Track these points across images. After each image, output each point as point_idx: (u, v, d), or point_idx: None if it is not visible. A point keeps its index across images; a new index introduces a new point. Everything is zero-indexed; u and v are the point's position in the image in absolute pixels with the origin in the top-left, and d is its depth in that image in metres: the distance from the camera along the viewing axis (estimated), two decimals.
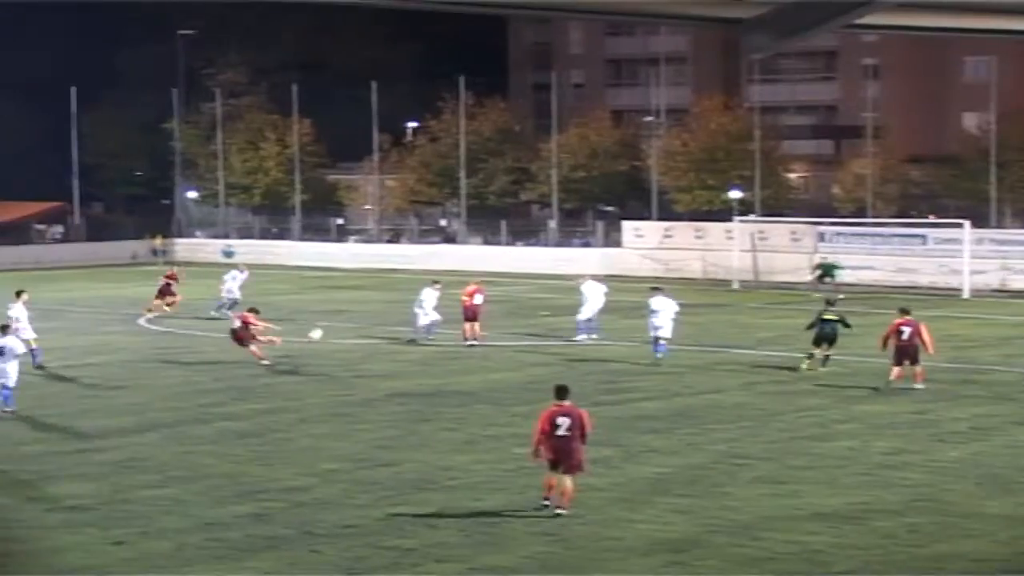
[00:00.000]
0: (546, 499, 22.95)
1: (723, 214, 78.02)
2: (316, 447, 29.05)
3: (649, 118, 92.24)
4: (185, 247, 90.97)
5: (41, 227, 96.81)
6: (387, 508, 23.53)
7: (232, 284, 54.43)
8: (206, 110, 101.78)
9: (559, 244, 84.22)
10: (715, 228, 74.48)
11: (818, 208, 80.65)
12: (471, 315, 45.55)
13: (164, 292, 55.10)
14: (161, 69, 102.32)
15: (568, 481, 22.91)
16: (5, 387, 33.32)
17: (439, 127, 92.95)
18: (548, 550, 21.11)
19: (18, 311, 40.08)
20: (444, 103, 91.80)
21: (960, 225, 64.96)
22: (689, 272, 71.47)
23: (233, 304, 49.89)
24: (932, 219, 73.10)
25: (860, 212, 79.09)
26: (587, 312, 47.02)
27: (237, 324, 41.53)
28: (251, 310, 42.16)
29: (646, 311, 42.23)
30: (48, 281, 68.25)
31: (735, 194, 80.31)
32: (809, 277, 64.94)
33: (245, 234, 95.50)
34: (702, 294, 61.86)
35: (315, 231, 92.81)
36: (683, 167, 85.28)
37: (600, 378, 38.12)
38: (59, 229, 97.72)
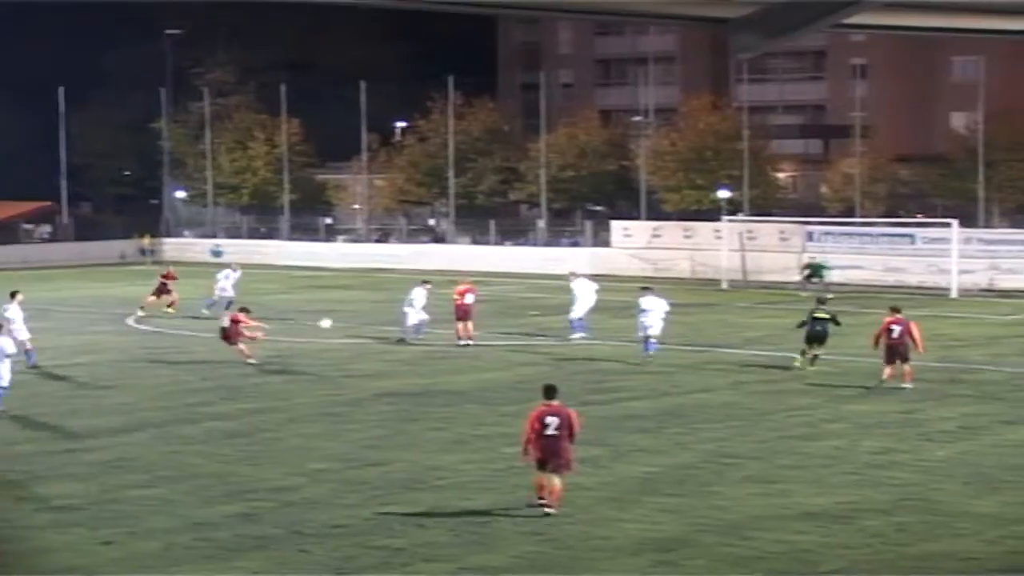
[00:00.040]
0: (541, 499, 22.91)
1: (711, 214, 78.09)
2: (305, 447, 29.03)
3: (638, 118, 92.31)
4: (173, 247, 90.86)
5: (29, 227, 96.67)
6: (376, 508, 23.51)
7: (226, 283, 54.48)
8: (194, 110, 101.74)
9: (548, 244, 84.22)
10: (704, 228, 74.55)
11: (806, 208, 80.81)
12: (463, 314, 45.52)
13: (161, 291, 55.15)
14: (149, 69, 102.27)
15: (556, 480, 22.91)
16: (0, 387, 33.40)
17: (428, 127, 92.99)
18: (537, 550, 21.11)
19: (14, 312, 40.24)
20: (433, 103, 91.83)
21: (948, 225, 65.08)
22: (678, 272, 71.53)
23: (229, 304, 49.93)
24: (920, 218, 73.22)
25: (848, 212, 79.20)
26: (579, 310, 47.01)
27: (226, 323, 41.60)
28: (242, 309, 42.30)
29: (636, 310, 42.27)
30: (36, 281, 68.10)
31: (723, 194, 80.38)
32: (798, 277, 65.06)
33: (233, 234, 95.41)
34: (691, 294, 61.88)
35: (303, 231, 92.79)
36: (672, 167, 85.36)
37: (589, 377, 38.13)
38: (47, 229, 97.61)
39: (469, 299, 45.71)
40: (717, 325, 51.83)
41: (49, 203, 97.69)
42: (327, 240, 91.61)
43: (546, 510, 22.73)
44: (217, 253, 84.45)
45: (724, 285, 67.64)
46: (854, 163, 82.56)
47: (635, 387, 36.77)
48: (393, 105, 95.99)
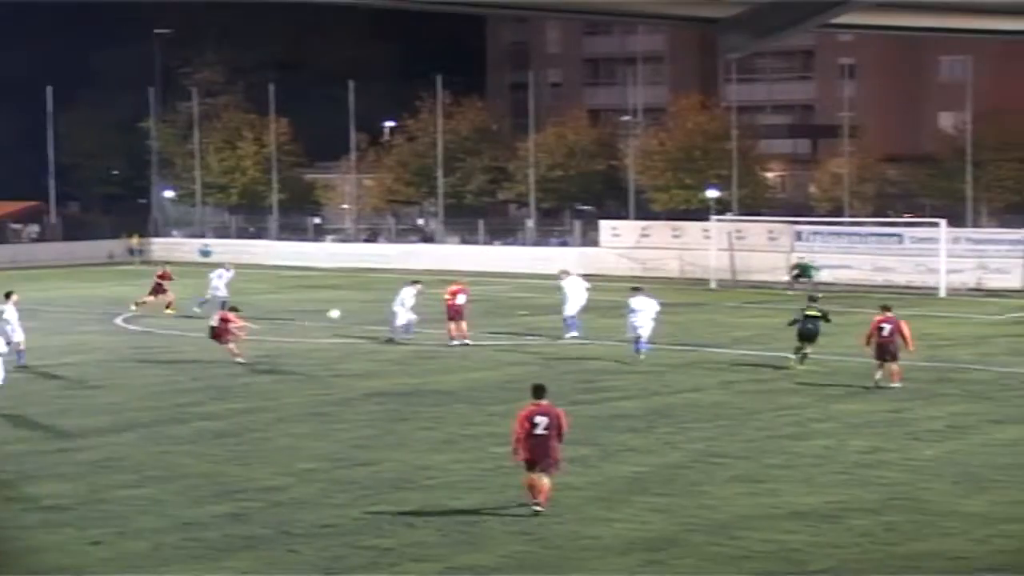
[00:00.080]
0: (535, 500, 22.87)
1: (700, 213, 78.15)
2: (294, 446, 29.01)
3: (626, 117, 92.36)
4: (162, 246, 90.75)
5: (17, 226, 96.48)
6: (365, 507, 23.50)
7: (219, 282, 54.54)
8: (183, 109, 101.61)
9: (536, 243, 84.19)
10: (692, 227, 74.56)
11: (795, 207, 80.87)
12: (454, 315, 45.48)
13: (157, 291, 55.17)
14: (137, 68, 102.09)
15: (545, 480, 22.92)
16: None
17: (416, 126, 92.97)
18: (526, 549, 21.11)
19: (9, 312, 40.28)
20: (421, 102, 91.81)
21: (936, 224, 65.19)
22: (666, 271, 71.55)
23: (223, 304, 49.95)
24: (908, 218, 73.30)
25: (837, 211, 79.26)
26: (572, 308, 46.99)
27: (216, 322, 41.64)
28: (231, 308, 42.39)
29: (625, 311, 42.27)
30: (24, 281, 67.84)
31: (712, 193, 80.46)
32: (786, 277, 65.13)
33: (222, 233, 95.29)
34: (679, 293, 61.88)
35: (292, 230, 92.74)
36: (660, 166, 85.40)
37: (578, 377, 38.14)
38: (35, 228, 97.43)
39: (461, 300, 45.64)
40: (706, 325, 51.86)
41: (37, 203, 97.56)
42: (316, 240, 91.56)
43: (535, 508, 22.73)
44: (205, 253, 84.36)
45: (713, 285, 67.67)
46: (842, 163, 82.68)
47: (624, 386, 36.78)
48: (382, 104, 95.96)
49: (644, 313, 41.34)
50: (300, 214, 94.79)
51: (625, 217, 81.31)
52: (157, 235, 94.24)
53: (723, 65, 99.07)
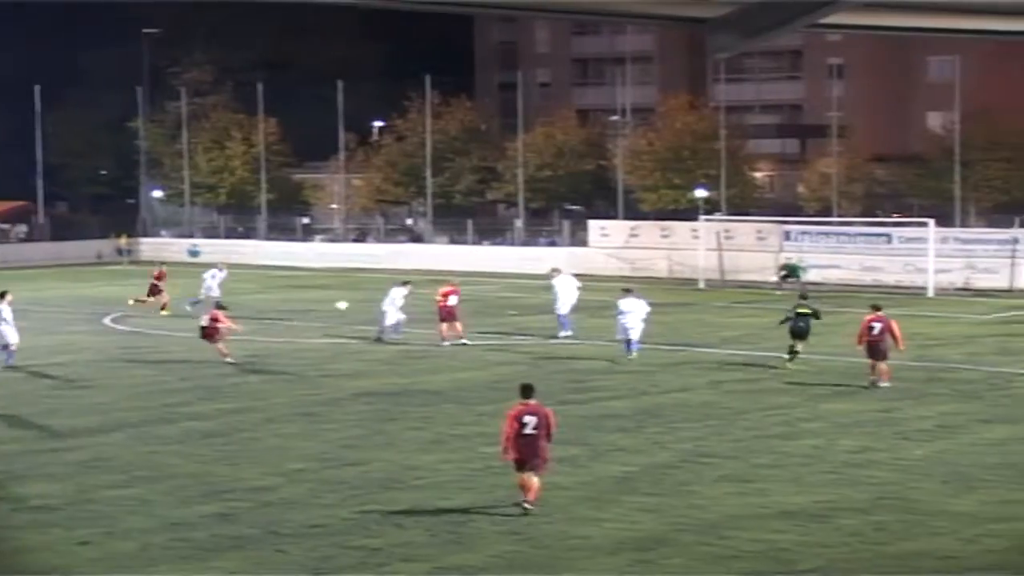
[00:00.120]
0: (527, 500, 22.84)
1: (689, 213, 78.20)
2: (282, 447, 28.98)
3: (615, 117, 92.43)
4: (150, 246, 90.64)
5: (5, 226, 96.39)
6: (353, 508, 23.48)
7: (212, 282, 54.59)
8: (171, 109, 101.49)
9: (525, 243, 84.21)
10: (681, 227, 74.59)
11: (784, 207, 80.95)
12: (446, 316, 45.44)
13: (153, 292, 55.16)
14: (126, 68, 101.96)
15: (534, 479, 22.92)
16: None
17: (405, 126, 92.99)
18: (515, 549, 21.10)
19: (6, 312, 40.24)
20: (410, 102, 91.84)
21: (925, 224, 65.28)
22: (655, 271, 71.60)
23: (217, 304, 49.92)
24: (897, 218, 73.38)
25: (826, 211, 79.34)
26: (563, 306, 46.99)
27: (206, 321, 41.64)
28: (220, 307, 42.40)
29: (615, 312, 42.26)
30: (12, 280, 67.45)
31: (701, 193, 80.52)
32: (775, 278, 65.18)
33: (211, 233, 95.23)
34: (668, 293, 61.89)
35: (281, 230, 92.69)
36: (649, 166, 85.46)
37: (567, 377, 38.14)
38: (23, 228, 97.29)
39: (452, 300, 45.56)
40: (695, 324, 51.88)
41: (25, 203, 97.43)
42: (304, 240, 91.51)
43: (525, 506, 22.73)
44: (194, 253, 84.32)
45: (701, 284, 67.70)
46: (831, 163, 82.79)
47: (613, 386, 36.78)
48: (370, 104, 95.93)
49: (634, 315, 41.35)
50: (289, 214, 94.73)
51: (614, 217, 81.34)
52: (145, 235, 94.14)
53: (712, 65, 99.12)
